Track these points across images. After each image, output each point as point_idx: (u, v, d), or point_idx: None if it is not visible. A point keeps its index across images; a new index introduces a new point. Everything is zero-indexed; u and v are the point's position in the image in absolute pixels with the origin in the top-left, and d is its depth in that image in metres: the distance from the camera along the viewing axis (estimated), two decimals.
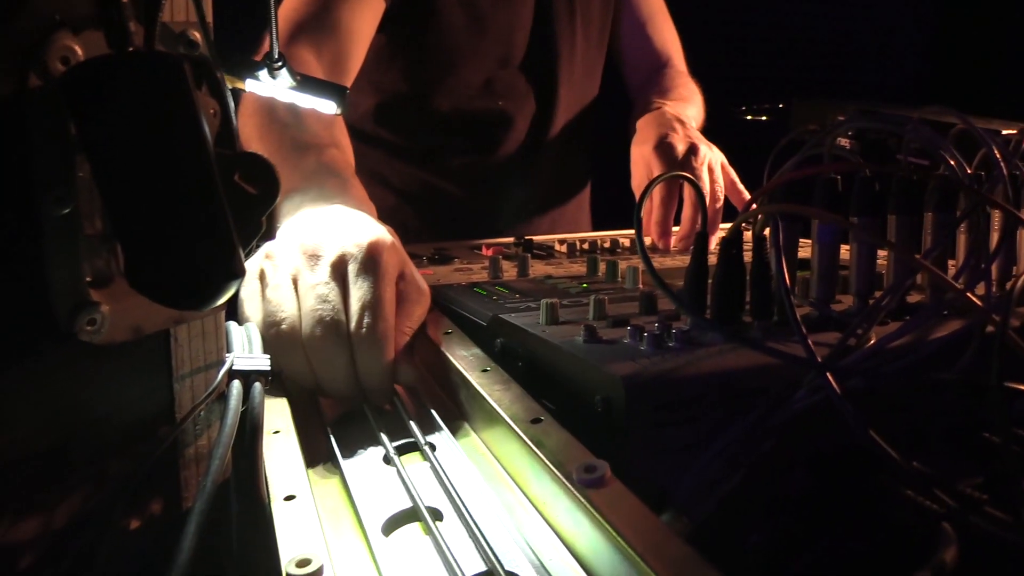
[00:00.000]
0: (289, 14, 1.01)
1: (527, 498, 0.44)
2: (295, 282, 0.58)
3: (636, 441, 0.45)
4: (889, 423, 0.42)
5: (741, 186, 1.14)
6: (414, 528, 0.43)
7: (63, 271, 0.33)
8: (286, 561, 0.34)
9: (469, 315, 0.67)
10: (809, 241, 0.61)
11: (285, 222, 0.67)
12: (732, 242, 0.55)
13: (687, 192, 1.08)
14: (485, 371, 0.54)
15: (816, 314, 0.59)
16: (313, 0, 1.04)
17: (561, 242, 1.09)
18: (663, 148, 1.10)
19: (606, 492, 0.37)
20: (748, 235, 0.58)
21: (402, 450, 0.50)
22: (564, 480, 0.39)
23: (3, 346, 0.33)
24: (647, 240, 1.09)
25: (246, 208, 0.34)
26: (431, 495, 0.45)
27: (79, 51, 0.32)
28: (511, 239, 1.12)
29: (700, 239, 0.58)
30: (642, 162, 1.13)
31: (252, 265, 0.61)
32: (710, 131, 1.21)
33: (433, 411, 0.55)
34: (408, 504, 0.44)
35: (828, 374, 0.42)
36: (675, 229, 1.09)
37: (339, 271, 0.57)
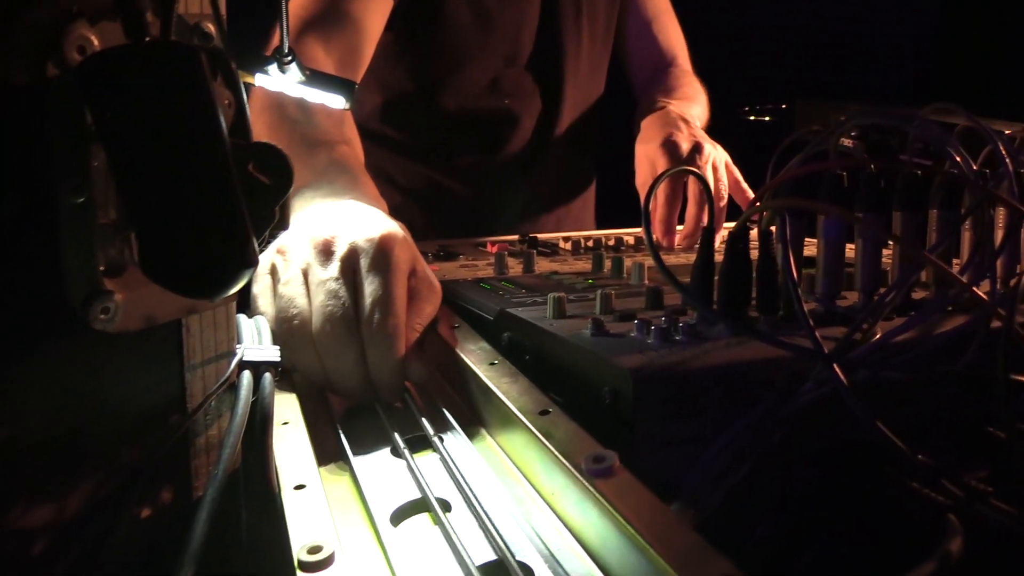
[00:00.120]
0: (298, 10, 1.01)
1: (535, 490, 0.44)
2: (306, 277, 0.58)
3: (643, 433, 0.46)
4: (894, 418, 0.42)
5: (745, 185, 1.14)
6: (423, 519, 0.43)
7: (77, 259, 0.33)
8: (297, 548, 0.35)
9: (475, 310, 0.67)
10: (814, 241, 0.62)
11: (296, 216, 0.67)
12: (739, 236, 0.55)
13: (691, 191, 1.08)
14: (493, 364, 0.54)
15: (821, 310, 0.59)
16: None
17: (566, 240, 1.09)
18: (668, 146, 1.10)
19: (615, 482, 0.37)
20: (754, 233, 0.58)
21: (411, 444, 0.50)
22: (573, 470, 0.39)
23: (17, 334, 0.33)
24: None
25: (260, 198, 0.34)
26: (440, 486, 0.46)
27: (95, 41, 0.32)
28: (515, 236, 1.12)
29: (707, 234, 0.58)
30: (647, 160, 1.13)
31: (264, 260, 0.61)
32: (713, 131, 1.21)
33: (442, 407, 0.56)
34: (417, 495, 0.45)
35: (835, 365, 0.42)
36: (678, 228, 1.09)
37: (350, 266, 0.57)
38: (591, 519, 0.38)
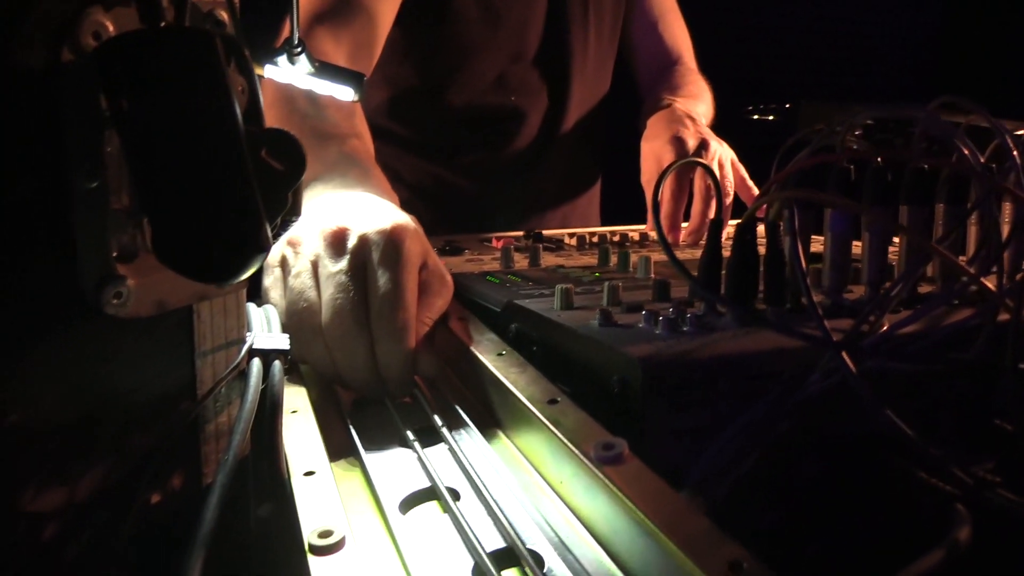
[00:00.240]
0: (308, 3, 1.02)
1: (544, 478, 0.44)
2: (316, 269, 0.57)
3: (652, 422, 0.46)
4: (901, 409, 0.42)
5: (751, 182, 1.14)
6: (432, 507, 0.43)
7: (90, 244, 0.34)
8: (308, 532, 0.35)
9: (482, 302, 0.68)
10: (820, 239, 0.62)
11: (307, 208, 0.66)
12: (747, 228, 0.56)
13: (697, 188, 1.08)
14: (500, 355, 0.54)
15: (828, 303, 0.59)
16: None
17: (571, 235, 1.09)
18: (674, 143, 1.10)
19: (624, 469, 0.37)
20: (761, 229, 0.58)
21: (420, 435, 0.50)
22: (582, 458, 0.39)
23: (31, 320, 0.33)
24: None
25: (272, 183, 0.35)
26: (449, 476, 0.46)
27: (110, 27, 0.33)
28: (521, 232, 1.12)
29: (714, 226, 0.58)
30: (652, 157, 1.14)
31: (274, 252, 0.60)
32: (717, 131, 1.21)
33: (451, 400, 0.56)
34: (426, 484, 0.45)
35: (844, 353, 0.42)
36: (683, 225, 1.09)
37: (360, 259, 0.56)
38: (600, 506, 0.38)
